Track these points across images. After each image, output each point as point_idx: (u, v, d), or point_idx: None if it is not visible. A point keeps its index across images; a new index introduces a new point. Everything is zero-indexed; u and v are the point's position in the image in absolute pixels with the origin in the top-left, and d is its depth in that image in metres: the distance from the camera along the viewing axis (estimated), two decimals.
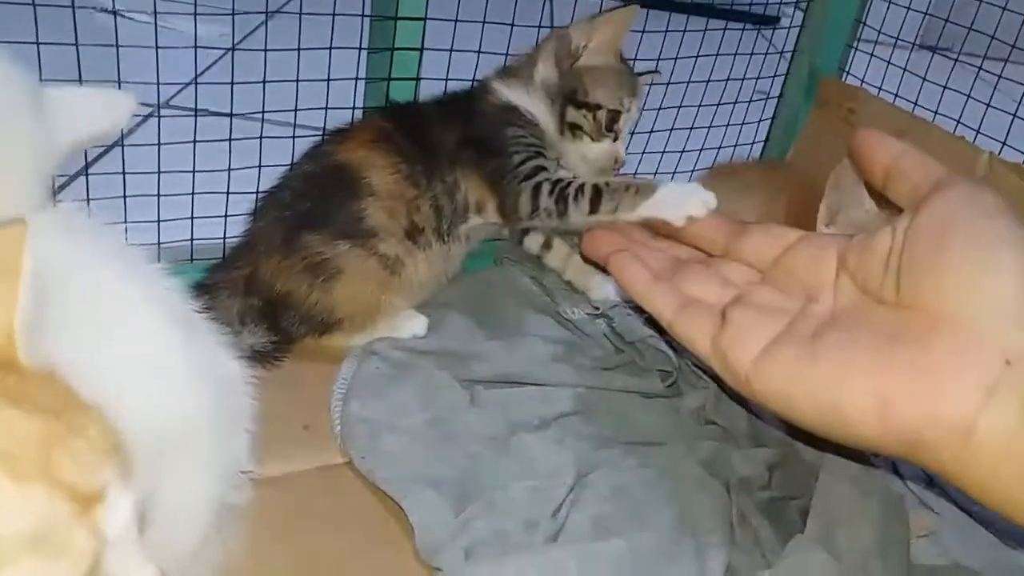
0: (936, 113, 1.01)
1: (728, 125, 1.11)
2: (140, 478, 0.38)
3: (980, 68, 1.02)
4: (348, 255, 0.78)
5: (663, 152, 1.07)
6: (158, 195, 0.82)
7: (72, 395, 0.38)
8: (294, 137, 0.85)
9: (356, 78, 0.90)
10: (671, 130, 1.06)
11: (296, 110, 0.85)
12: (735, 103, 1.11)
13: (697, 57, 1.05)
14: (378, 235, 0.78)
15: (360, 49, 0.90)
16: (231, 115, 0.84)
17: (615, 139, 0.87)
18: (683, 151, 1.08)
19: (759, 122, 1.15)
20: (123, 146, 0.80)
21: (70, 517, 0.34)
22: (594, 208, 0.77)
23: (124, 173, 0.81)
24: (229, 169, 0.84)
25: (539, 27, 0.95)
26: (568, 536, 0.65)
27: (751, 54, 1.12)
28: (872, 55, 1.11)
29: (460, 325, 0.83)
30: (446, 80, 0.90)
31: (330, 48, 0.85)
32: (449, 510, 0.65)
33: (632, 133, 0.91)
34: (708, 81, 1.08)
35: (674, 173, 1.07)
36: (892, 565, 0.63)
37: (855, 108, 1.07)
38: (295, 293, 0.78)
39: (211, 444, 0.57)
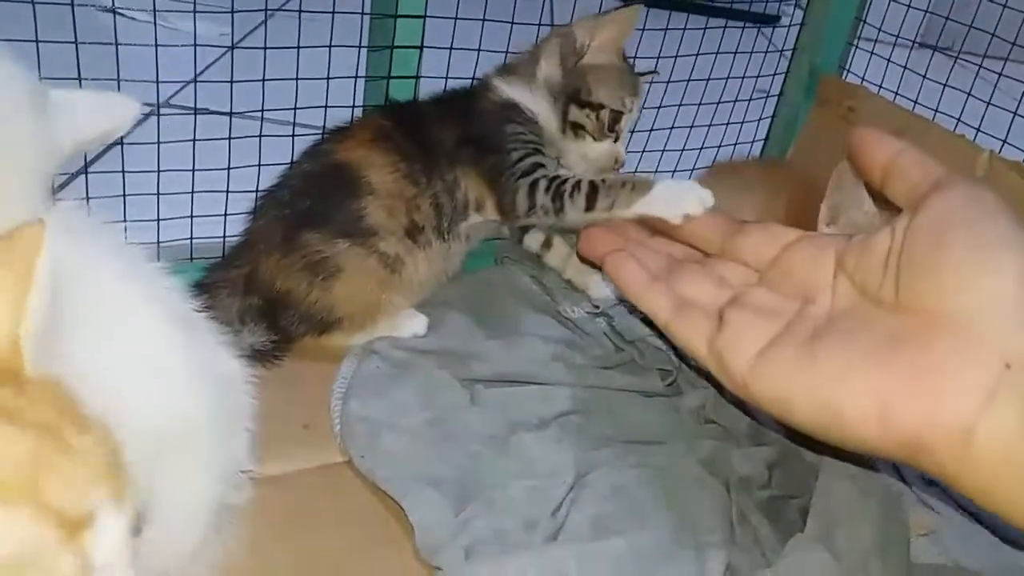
0: (936, 111, 1.01)
1: (728, 123, 1.11)
2: (138, 494, 0.38)
3: (980, 66, 1.02)
4: (348, 253, 0.78)
5: (663, 150, 1.07)
6: (158, 194, 0.82)
7: (73, 409, 0.38)
8: (293, 136, 0.85)
9: (356, 76, 0.90)
10: (671, 128, 1.06)
11: (296, 108, 0.85)
12: (735, 101, 1.11)
13: (697, 55, 1.05)
14: (378, 233, 0.78)
15: (360, 47, 0.90)
16: (231, 114, 0.83)
17: (616, 139, 0.87)
18: (683, 149, 1.08)
19: (759, 120, 1.15)
20: (123, 145, 0.80)
21: (56, 542, 0.33)
22: (590, 205, 0.77)
23: (124, 172, 0.81)
24: (229, 168, 0.84)
25: (539, 25, 0.95)
26: (568, 535, 0.65)
27: (751, 52, 1.12)
28: (872, 53, 1.11)
29: (460, 324, 0.83)
30: (446, 78, 0.90)
31: (330, 46, 0.85)
32: (449, 509, 0.65)
33: (632, 131, 0.91)
34: (708, 79, 1.08)
35: (674, 171, 1.07)
36: (892, 564, 0.63)
37: (855, 106, 1.07)
38: (295, 291, 0.78)
39: (211, 443, 0.57)
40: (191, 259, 0.84)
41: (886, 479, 0.68)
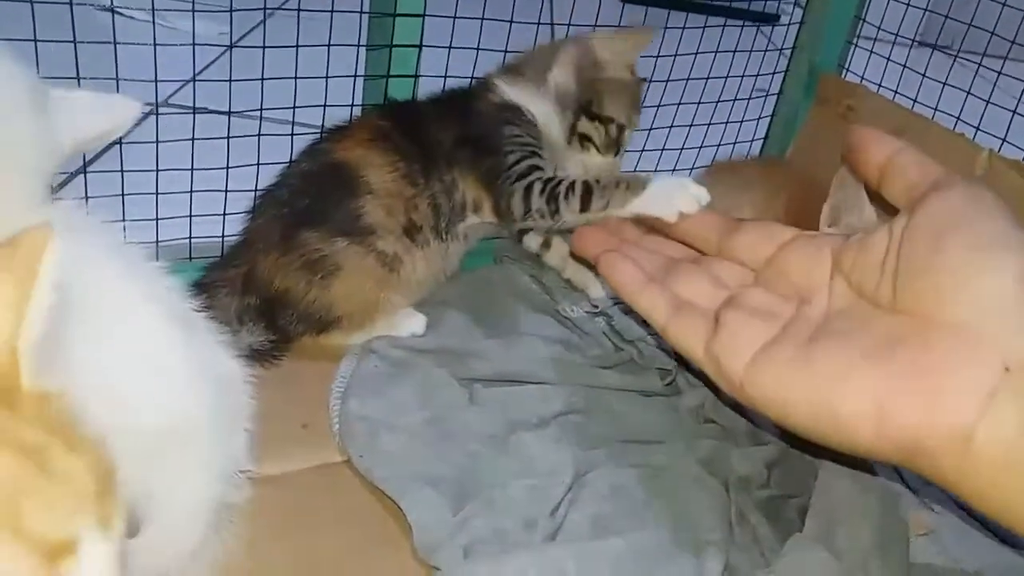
0: (936, 110, 1.00)
1: (727, 122, 1.11)
2: (130, 518, 0.37)
3: (980, 65, 1.02)
4: (346, 252, 0.78)
5: (662, 149, 1.07)
6: (156, 193, 0.82)
7: (66, 428, 0.36)
8: (292, 135, 0.85)
9: (355, 75, 0.90)
10: (670, 127, 1.06)
11: (294, 108, 0.85)
12: (734, 100, 1.10)
13: (696, 54, 1.05)
14: (376, 232, 0.78)
15: (359, 46, 0.90)
16: (229, 113, 0.83)
17: (616, 153, 0.87)
18: (682, 148, 1.08)
19: (758, 119, 1.15)
20: (121, 144, 0.80)
21: (34, 569, 0.32)
22: (585, 206, 0.77)
23: (123, 171, 0.81)
24: (228, 167, 0.84)
25: (538, 24, 0.95)
26: (567, 535, 0.65)
27: (751, 51, 1.12)
28: (872, 52, 1.11)
29: (459, 323, 0.83)
30: (445, 77, 0.90)
31: (328, 45, 0.85)
32: (447, 509, 0.65)
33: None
34: (707, 78, 1.08)
35: (673, 170, 1.07)
36: (891, 564, 0.63)
37: (854, 105, 1.07)
38: (293, 290, 0.78)
39: (211, 443, 0.57)
40: (190, 258, 0.84)
41: (885, 480, 0.68)
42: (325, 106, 0.86)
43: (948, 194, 0.50)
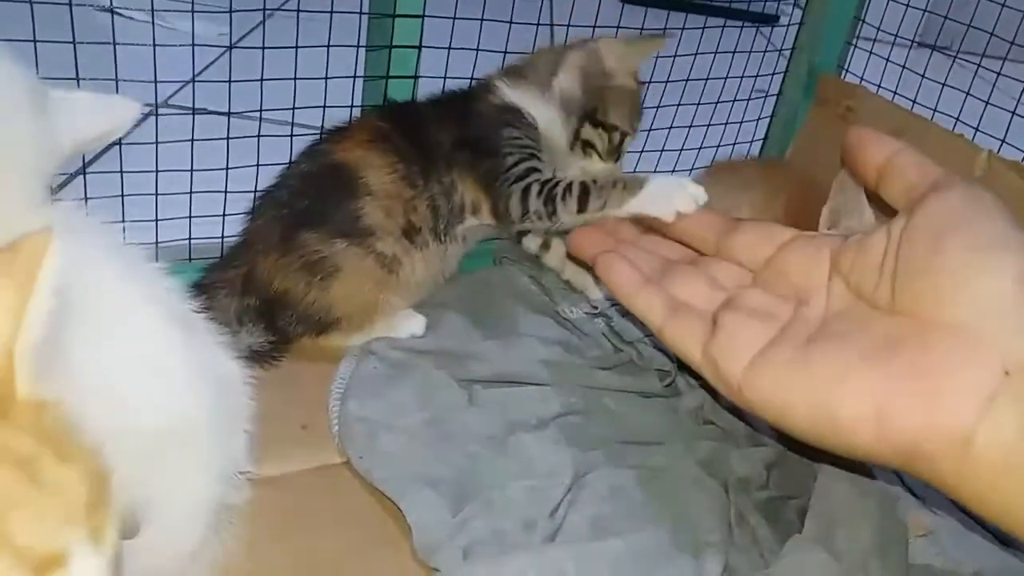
0: (935, 111, 1.00)
1: (727, 123, 1.11)
2: (129, 520, 0.36)
3: (979, 66, 1.02)
4: (345, 253, 0.78)
5: (662, 150, 1.07)
6: (156, 194, 0.82)
7: (60, 438, 0.35)
8: (292, 136, 0.85)
9: (354, 76, 0.90)
10: (670, 128, 1.06)
11: (294, 108, 0.85)
12: (734, 101, 1.11)
13: (696, 55, 1.05)
14: (375, 234, 0.78)
15: (358, 47, 0.90)
16: (229, 114, 0.83)
17: (617, 159, 0.87)
18: (682, 149, 1.08)
19: (758, 120, 1.15)
20: (121, 145, 0.80)
21: None
22: (582, 207, 0.77)
23: (122, 172, 0.81)
24: (227, 168, 0.84)
25: (537, 25, 0.95)
26: (566, 536, 0.65)
27: (750, 52, 1.12)
28: (871, 53, 1.11)
29: (458, 325, 0.83)
30: (444, 78, 0.90)
31: (328, 46, 0.85)
32: (447, 510, 0.65)
33: None
34: (707, 79, 1.08)
35: (673, 171, 1.07)
36: (891, 565, 0.63)
37: (854, 106, 1.07)
38: (292, 291, 0.78)
39: (210, 444, 0.57)
40: (190, 259, 0.84)
41: (884, 483, 0.68)
42: (325, 107, 0.86)
43: (947, 195, 0.50)
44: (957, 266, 0.47)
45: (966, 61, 1.05)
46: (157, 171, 0.82)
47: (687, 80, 1.06)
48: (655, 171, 1.04)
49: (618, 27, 0.94)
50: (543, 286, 0.90)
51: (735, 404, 0.57)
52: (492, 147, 0.82)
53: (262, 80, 0.84)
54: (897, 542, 0.65)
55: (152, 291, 0.57)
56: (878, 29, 1.11)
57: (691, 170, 1.07)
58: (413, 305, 0.83)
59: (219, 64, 1.03)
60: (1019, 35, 1.00)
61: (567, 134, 0.86)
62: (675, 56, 1.02)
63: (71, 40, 0.74)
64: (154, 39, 0.79)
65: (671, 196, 0.69)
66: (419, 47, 0.89)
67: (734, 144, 1.11)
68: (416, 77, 0.91)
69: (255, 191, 0.83)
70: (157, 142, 0.82)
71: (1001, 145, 0.94)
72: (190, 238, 0.85)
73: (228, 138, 0.84)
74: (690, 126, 1.08)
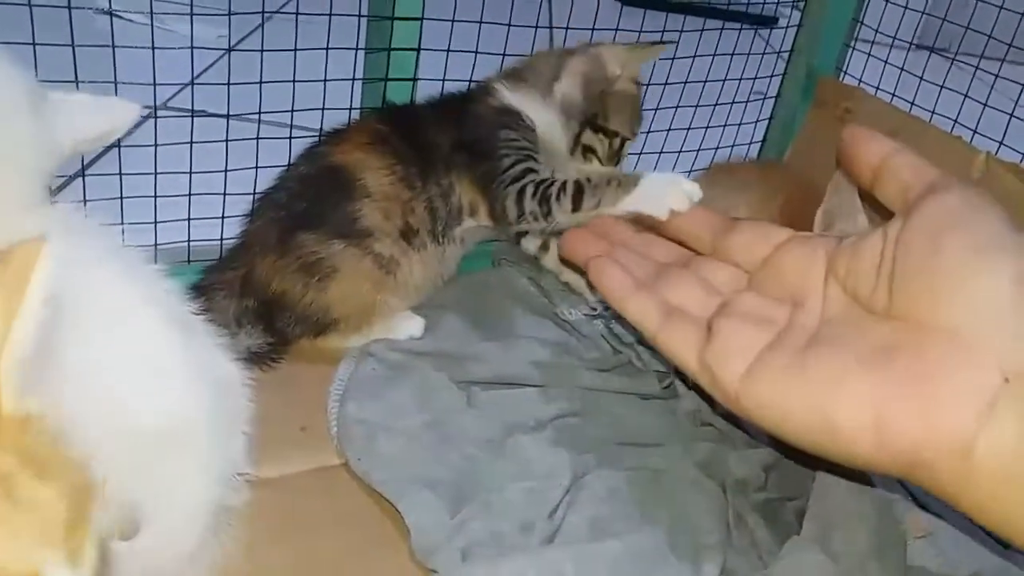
0: (933, 113, 1.00)
1: (725, 125, 1.11)
2: (129, 521, 0.35)
3: (977, 68, 1.02)
4: (343, 254, 0.78)
5: (660, 152, 1.07)
6: (155, 196, 0.82)
7: (42, 454, 0.35)
8: (291, 138, 0.85)
9: (353, 79, 0.90)
10: (668, 130, 1.06)
11: (293, 111, 0.85)
12: (732, 103, 1.11)
13: (695, 57, 1.05)
14: (373, 235, 0.78)
15: (357, 50, 0.90)
16: (228, 116, 0.84)
17: (617, 163, 0.87)
18: (680, 151, 1.08)
19: (756, 122, 1.15)
20: (120, 147, 0.80)
21: None
22: (576, 206, 0.77)
23: (121, 174, 0.81)
24: (226, 170, 0.84)
25: (536, 27, 0.95)
26: (564, 537, 0.65)
27: (748, 54, 1.12)
28: (869, 55, 1.11)
29: (457, 326, 0.83)
30: (443, 80, 0.90)
31: (327, 49, 0.85)
32: (445, 512, 0.65)
33: None
34: (706, 81, 1.08)
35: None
36: (889, 567, 0.63)
37: (852, 108, 1.07)
38: (290, 293, 0.78)
39: (209, 445, 0.57)
40: (188, 261, 0.84)
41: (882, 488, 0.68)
42: (323, 109, 0.86)
43: (944, 196, 0.49)
44: (954, 270, 0.46)
45: (964, 63, 1.05)
46: (156, 173, 0.82)
47: (686, 82, 1.06)
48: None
49: (616, 29, 0.94)
50: (542, 288, 0.90)
51: (730, 411, 0.56)
52: (489, 149, 0.82)
53: (261, 82, 0.84)
54: (895, 544, 0.65)
55: (151, 293, 0.57)
56: (876, 31, 1.11)
57: (690, 172, 1.07)
58: (412, 307, 0.83)
59: (218, 66, 1.03)
60: (1017, 37, 1.00)
61: (567, 139, 0.86)
62: (674, 58, 1.02)
63: (70, 43, 0.74)
64: (153, 42, 0.79)
65: (665, 194, 0.69)
66: (418, 49, 0.89)
67: (733, 146, 1.11)
68: (415, 79, 0.91)
69: (254, 193, 0.83)
70: (156, 144, 0.82)
71: (999, 147, 0.94)
72: (189, 240, 0.85)
73: (227, 140, 0.84)
74: (689, 128, 1.08)
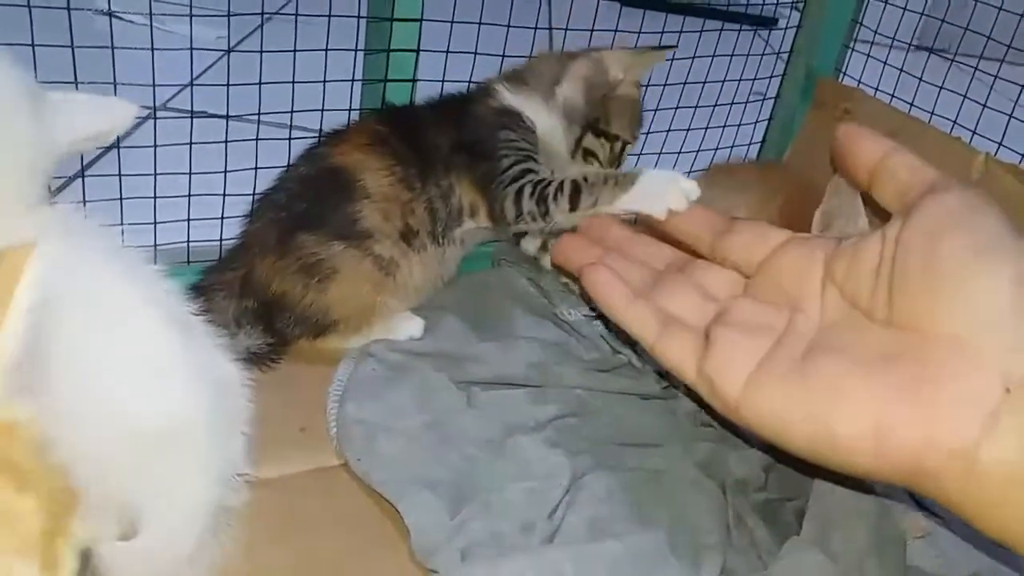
0: (932, 114, 1.00)
1: (725, 126, 1.12)
2: (128, 522, 0.35)
3: (976, 68, 1.02)
4: (343, 255, 0.78)
5: (660, 153, 1.07)
6: (154, 197, 0.82)
7: (21, 463, 0.34)
8: (290, 139, 0.85)
9: (352, 80, 0.90)
10: (668, 131, 1.06)
11: (292, 112, 0.85)
12: (732, 104, 1.11)
13: (694, 58, 1.05)
14: (373, 236, 0.78)
15: (356, 51, 0.90)
16: (227, 117, 0.84)
17: (618, 166, 0.87)
18: (680, 152, 1.08)
19: (756, 123, 1.15)
20: (119, 148, 0.80)
21: None
22: (574, 205, 0.77)
23: (120, 175, 0.81)
24: (225, 171, 0.84)
25: (535, 28, 0.95)
26: (564, 538, 0.65)
27: (748, 55, 1.12)
28: (869, 56, 1.11)
29: (456, 327, 0.83)
30: (442, 81, 0.90)
31: (326, 50, 0.85)
32: (445, 512, 0.65)
33: None
34: (705, 82, 1.08)
35: None
36: (888, 567, 0.63)
37: (851, 109, 1.07)
38: (290, 294, 0.78)
39: (208, 446, 0.57)
40: (188, 262, 0.84)
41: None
42: (323, 110, 0.86)
43: (944, 197, 0.49)
44: (954, 272, 0.46)
45: (963, 64, 1.05)
46: (156, 174, 0.82)
47: (685, 83, 1.06)
48: None
49: (616, 30, 0.94)
50: (541, 288, 0.90)
51: (727, 419, 0.55)
52: (489, 149, 0.82)
53: (260, 83, 0.84)
54: (894, 544, 0.65)
55: (151, 293, 0.57)
56: (876, 32, 1.11)
57: (689, 172, 1.07)
58: (411, 308, 0.83)
59: (218, 67, 1.03)
60: (1016, 38, 1.00)
61: (568, 142, 0.86)
62: (673, 59, 1.01)
63: (70, 44, 0.74)
64: (152, 43, 0.79)
65: (663, 193, 0.69)
66: (417, 50, 0.89)
67: (732, 147, 1.11)
68: (414, 80, 0.91)
69: (253, 194, 0.83)
70: (156, 145, 0.82)
71: (999, 148, 0.94)
72: (188, 241, 0.85)
73: (226, 141, 0.84)
74: (688, 129, 1.08)
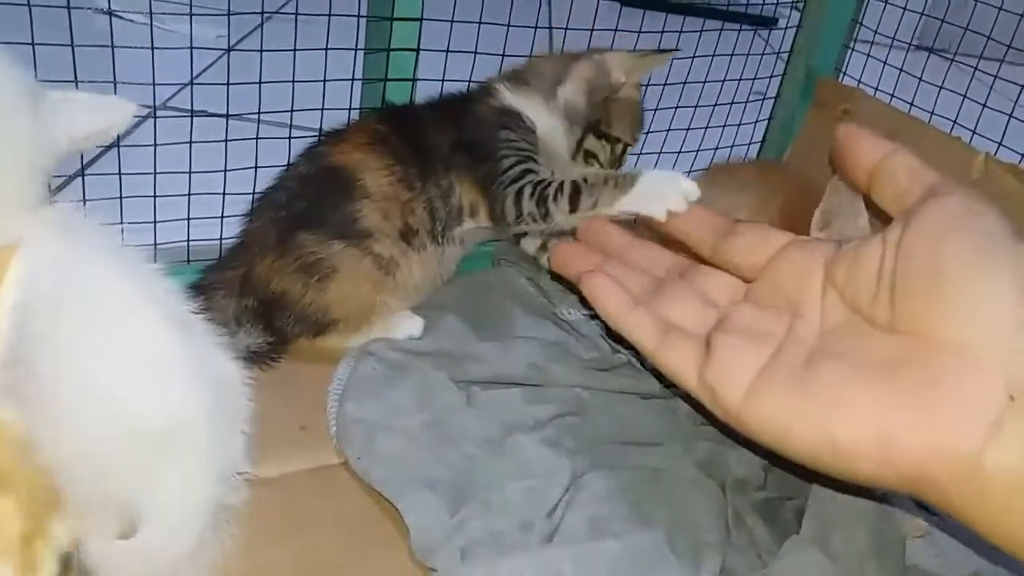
0: (932, 113, 1.00)
1: (725, 126, 1.11)
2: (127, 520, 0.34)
3: (976, 68, 1.02)
4: (343, 255, 0.78)
5: (660, 152, 1.07)
6: (154, 196, 0.82)
7: (7, 463, 0.34)
8: (290, 138, 0.85)
9: (352, 79, 0.90)
10: (668, 131, 1.06)
11: (292, 111, 0.85)
12: (732, 104, 1.11)
13: (694, 58, 1.05)
14: (373, 235, 0.78)
15: (356, 50, 0.90)
16: (227, 116, 0.84)
17: (618, 168, 0.87)
18: (680, 152, 1.08)
19: (756, 123, 1.15)
20: (119, 147, 0.80)
21: None
22: (574, 206, 0.77)
23: (120, 174, 0.81)
24: (225, 170, 0.84)
25: (535, 28, 0.95)
26: (564, 537, 0.65)
27: (748, 55, 1.12)
28: (869, 56, 1.11)
29: (456, 326, 0.83)
30: (442, 81, 0.90)
31: (326, 49, 0.85)
32: (445, 511, 0.65)
33: None
34: (705, 82, 1.08)
35: None
36: (888, 566, 0.63)
37: (851, 108, 1.07)
38: (289, 293, 0.78)
39: (208, 445, 0.57)
40: (188, 261, 0.84)
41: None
42: (323, 109, 0.86)
43: (945, 201, 0.48)
44: (955, 279, 0.45)
45: (963, 64, 1.05)
46: (155, 173, 0.82)
47: (685, 82, 1.06)
48: None
49: (616, 30, 0.95)
50: (541, 288, 0.90)
51: (730, 427, 0.55)
52: (490, 149, 0.82)
53: (260, 82, 0.84)
54: (894, 543, 0.65)
55: (150, 292, 0.57)
56: (875, 32, 1.11)
57: (689, 172, 1.07)
58: (411, 307, 0.83)
59: (217, 66, 1.03)
60: (1016, 37, 1.00)
61: (569, 144, 0.86)
62: (673, 59, 1.02)
63: (70, 43, 0.74)
64: (152, 42, 0.79)
65: (663, 193, 0.69)
66: (417, 50, 0.89)
67: (732, 147, 1.11)
68: (414, 80, 0.91)
69: (253, 193, 0.83)
70: (155, 144, 0.82)
71: (998, 147, 0.94)
72: (188, 240, 0.85)
73: (226, 140, 0.84)
74: (688, 128, 1.08)
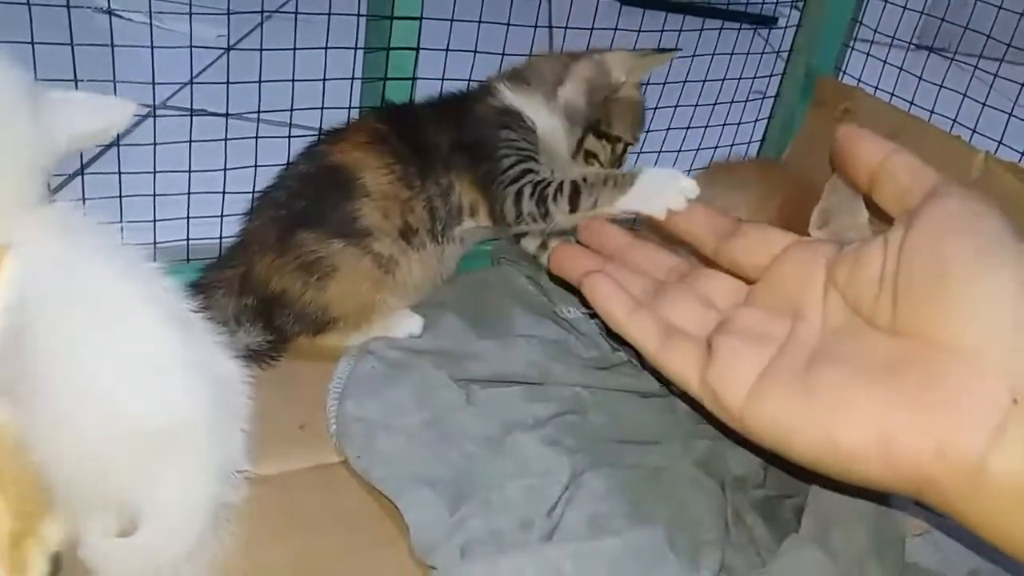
0: (932, 112, 1.00)
1: (725, 125, 1.11)
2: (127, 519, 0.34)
3: (976, 67, 1.02)
4: (342, 253, 0.78)
5: (660, 151, 1.07)
6: (154, 195, 0.82)
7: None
8: (290, 137, 0.85)
9: (352, 78, 0.90)
10: (667, 129, 1.06)
11: (292, 110, 0.85)
12: (732, 103, 1.11)
13: (694, 57, 1.05)
14: (372, 234, 0.78)
15: (356, 49, 0.90)
16: (227, 115, 0.84)
17: (618, 167, 0.87)
18: (679, 150, 1.08)
19: (755, 122, 1.15)
20: (119, 146, 0.80)
21: None
22: (574, 206, 0.77)
23: (120, 173, 0.81)
24: (225, 169, 0.84)
25: (535, 27, 0.95)
26: (563, 535, 0.65)
27: (748, 54, 1.12)
28: (868, 55, 1.11)
29: (456, 325, 0.83)
30: (442, 80, 0.90)
31: (326, 48, 0.85)
32: (444, 509, 0.65)
33: None
34: (705, 81, 1.08)
35: None
36: (887, 565, 0.63)
37: (851, 108, 1.07)
38: (289, 291, 0.78)
39: (208, 443, 0.57)
40: (187, 260, 0.84)
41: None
42: (323, 108, 0.86)
43: (946, 201, 0.48)
44: (957, 280, 0.45)
45: (963, 63, 1.05)
46: (155, 172, 0.82)
47: (685, 81, 1.06)
48: None
49: (616, 29, 0.95)
50: (541, 286, 0.90)
51: (730, 428, 0.55)
52: (490, 149, 0.82)
53: (260, 82, 0.84)
54: (893, 542, 0.65)
55: (150, 291, 0.57)
56: (875, 31, 1.11)
57: (689, 171, 1.07)
58: (411, 305, 0.83)
59: (217, 66, 1.03)
60: (1016, 37, 1.00)
61: (569, 143, 0.86)
62: (673, 58, 1.02)
63: (69, 42, 0.74)
64: (152, 41, 0.79)
65: (662, 192, 0.69)
66: (417, 49, 0.89)
67: (732, 145, 1.11)
68: (414, 79, 0.91)
69: (253, 192, 0.83)
70: (155, 143, 0.82)
71: (998, 146, 0.94)
72: (188, 238, 0.85)
73: (226, 139, 0.84)
74: (688, 127, 1.08)
